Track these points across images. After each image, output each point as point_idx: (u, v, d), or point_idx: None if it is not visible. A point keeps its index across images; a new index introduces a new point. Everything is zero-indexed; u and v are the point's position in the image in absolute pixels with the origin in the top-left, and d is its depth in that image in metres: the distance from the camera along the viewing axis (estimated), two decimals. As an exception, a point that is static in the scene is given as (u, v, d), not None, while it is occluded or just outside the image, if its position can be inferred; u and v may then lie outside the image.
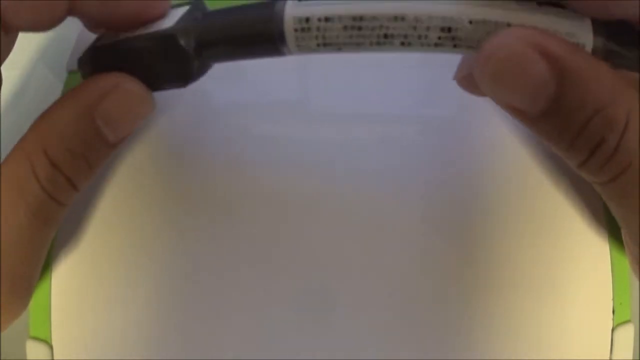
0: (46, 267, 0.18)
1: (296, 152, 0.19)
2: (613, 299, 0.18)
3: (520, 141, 0.18)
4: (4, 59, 0.16)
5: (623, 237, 0.16)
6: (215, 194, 0.18)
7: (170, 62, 0.15)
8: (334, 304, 0.18)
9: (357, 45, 0.14)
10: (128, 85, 0.15)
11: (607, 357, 0.18)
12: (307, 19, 0.14)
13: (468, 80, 0.16)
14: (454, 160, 0.18)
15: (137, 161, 0.19)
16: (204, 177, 0.18)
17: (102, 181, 0.18)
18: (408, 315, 0.18)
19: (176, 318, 0.18)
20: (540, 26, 0.13)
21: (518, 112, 0.14)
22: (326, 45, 0.14)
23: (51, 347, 0.18)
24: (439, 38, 0.13)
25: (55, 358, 0.18)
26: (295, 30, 0.14)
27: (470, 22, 0.13)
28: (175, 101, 0.19)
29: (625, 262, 0.18)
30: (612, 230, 0.18)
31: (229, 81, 0.19)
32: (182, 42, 0.15)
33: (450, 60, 0.16)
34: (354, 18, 0.13)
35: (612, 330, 0.18)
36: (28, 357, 0.18)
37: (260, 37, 0.14)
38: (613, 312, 0.18)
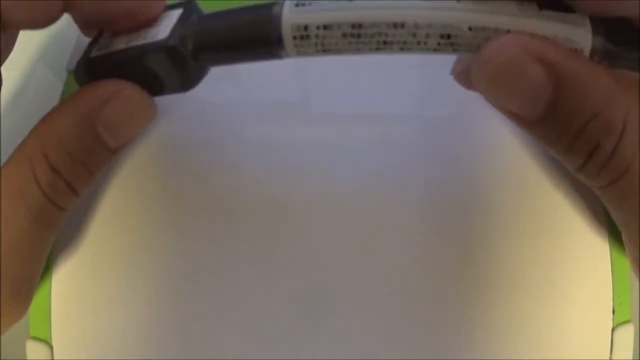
0: (46, 267, 0.18)
1: (296, 152, 0.19)
2: (613, 299, 0.18)
3: (520, 141, 0.18)
4: (5, 59, 0.16)
5: (623, 240, 0.16)
6: (215, 194, 0.18)
7: (170, 73, 0.15)
8: (334, 304, 0.18)
9: (356, 50, 0.14)
10: (129, 92, 0.15)
11: (607, 357, 0.18)
12: (306, 27, 0.14)
13: (465, 76, 0.16)
14: (454, 160, 0.18)
15: (136, 161, 0.19)
16: (203, 178, 0.18)
17: (102, 181, 0.18)
18: (408, 315, 0.18)
19: (176, 318, 0.18)
20: (539, 32, 0.13)
21: (516, 117, 0.14)
22: (325, 51, 0.14)
23: (51, 347, 0.18)
24: (439, 44, 0.13)
25: (55, 358, 0.18)
26: (294, 38, 0.14)
27: (470, 29, 0.13)
28: (175, 101, 0.19)
29: (626, 262, 0.18)
30: (612, 230, 0.18)
31: (228, 81, 0.19)
32: (182, 52, 0.15)
33: (450, 61, 0.16)
34: (353, 25, 0.13)
35: (612, 330, 0.18)
36: (28, 357, 0.18)
37: (258, 41, 0.14)
38: (613, 312, 0.18)
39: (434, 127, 0.19)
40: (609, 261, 0.18)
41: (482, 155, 0.18)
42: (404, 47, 0.14)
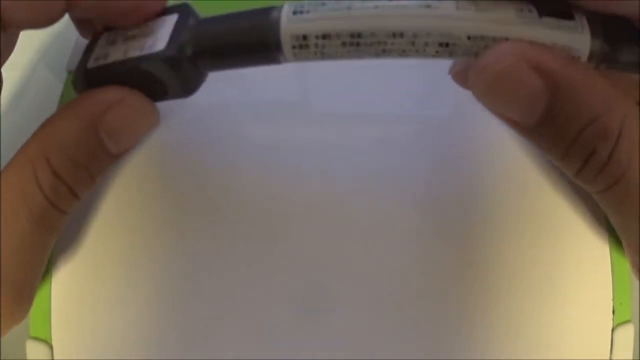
0: (46, 266, 0.18)
1: (296, 152, 0.19)
2: (613, 299, 0.18)
3: (520, 141, 0.18)
4: (5, 59, 0.16)
5: (623, 245, 0.16)
6: (215, 194, 0.18)
7: (170, 82, 0.15)
8: (334, 304, 0.18)
9: (355, 57, 0.14)
10: (133, 99, 0.15)
11: (607, 357, 0.18)
12: (305, 37, 0.14)
13: (463, 76, 0.16)
14: (454, 160, 0.18)
15: (137, 161, 0.19)
16: (203, 178, 0.18)
17: (102, 182, 0.18)
18: (408, 315, 0.18)
19: (176, 318, 0.18)
20: (538, 40, 0.13)
21: (513, 123, 0.14)
22: (325, 57, 0.14)
23: (51, 347, 0.18)
24: (437, 52, 0.14)
25: (55, 358, 0.18)
26: (294, 47, 0.14)
27: (469, 38, 0.13)
28: (174, 102, 0.19)
29: (625, 263, 0.18)
30: (612, 230, 0.18)
31: (227, 81, 0.19)
32: (182, 62, 0.14)
33: (449, 62, 0.16)
34: (352, 35, 0.13)
35: (612, 330, 0.18)
36: (28, 357, 0.18)
37: (256, 47, 0.14)
38: (613, 312, 0.18)
39: (434, 127, 0.19)
40: (609, 261, 0.18)
41: (482, 155, 0.18)
42: (403, 54, 0.14)
